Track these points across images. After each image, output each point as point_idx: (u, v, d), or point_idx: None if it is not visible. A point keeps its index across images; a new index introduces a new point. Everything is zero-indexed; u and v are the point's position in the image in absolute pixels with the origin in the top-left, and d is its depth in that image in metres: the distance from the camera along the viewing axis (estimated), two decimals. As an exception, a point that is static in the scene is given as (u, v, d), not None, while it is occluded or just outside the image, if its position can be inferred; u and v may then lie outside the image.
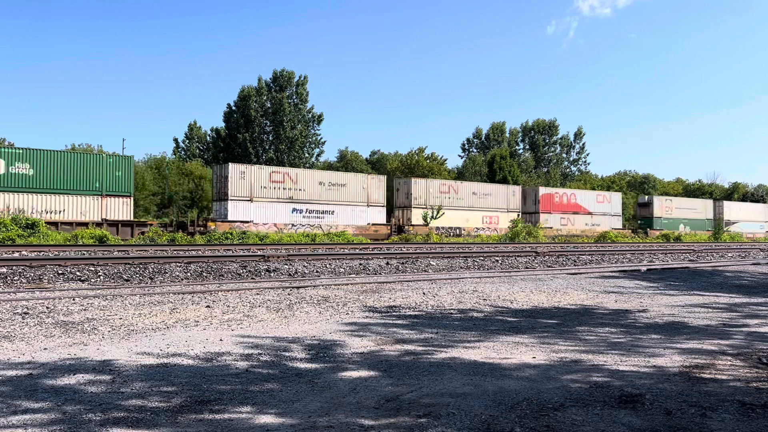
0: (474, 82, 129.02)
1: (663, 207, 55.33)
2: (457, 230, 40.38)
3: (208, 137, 62.42)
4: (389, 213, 39.91)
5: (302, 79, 59.60)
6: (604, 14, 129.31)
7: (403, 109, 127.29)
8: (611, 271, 14.77)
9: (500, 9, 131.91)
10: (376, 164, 72.27)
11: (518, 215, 43.87)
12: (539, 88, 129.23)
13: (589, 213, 49.11)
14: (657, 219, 54.49)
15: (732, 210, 61.46)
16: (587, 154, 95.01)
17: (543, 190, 46.64)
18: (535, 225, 42.47)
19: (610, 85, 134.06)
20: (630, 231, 51.01)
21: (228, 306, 7.71)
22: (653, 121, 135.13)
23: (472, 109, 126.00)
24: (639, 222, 55.29)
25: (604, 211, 50.38)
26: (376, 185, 37.33)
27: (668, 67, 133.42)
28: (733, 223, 60.18)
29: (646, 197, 57.65)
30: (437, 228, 38.46)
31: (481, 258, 17.17)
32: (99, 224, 27.14)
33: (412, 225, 37.97)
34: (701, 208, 58.86)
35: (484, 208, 42.65)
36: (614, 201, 52.37)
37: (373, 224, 36.46)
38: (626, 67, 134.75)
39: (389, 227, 37.20)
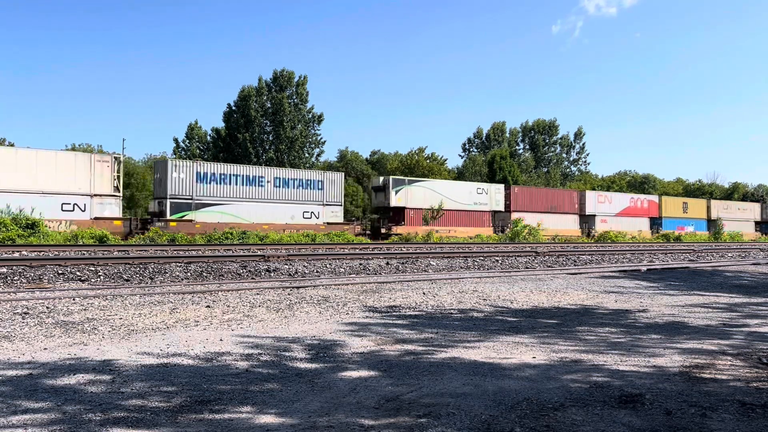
0: (476, 81, 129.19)
1: None
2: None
3: (208, 137, 62.41)
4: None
5: (302, 79, 59.56)
6: (609, 14, 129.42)
7: (403, 109, 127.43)
8: (611, 271, 14.77)
9: (505, 8, 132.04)
10: (376, 164, 72.22)
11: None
12: (541, 88, 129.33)
13: None
14: None
15: None
16: (587, 154, 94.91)
17: None
18: None
19: (611, 84, 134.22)
20: None
21: (228, 306, 7.71)
22: (654, 121, 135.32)
23: (474, 109, 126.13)
24: None
25: None
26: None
27: (671, 66, 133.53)
28: None
29: None
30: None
31: (481, 258, 17.17)
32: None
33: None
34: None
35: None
36: None
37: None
38: (629, 67, 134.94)
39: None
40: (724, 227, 56.17)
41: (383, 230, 37.37)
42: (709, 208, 58.67)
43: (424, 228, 37.61)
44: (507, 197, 44.03)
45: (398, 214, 38.55)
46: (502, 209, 43.64)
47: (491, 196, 43.19)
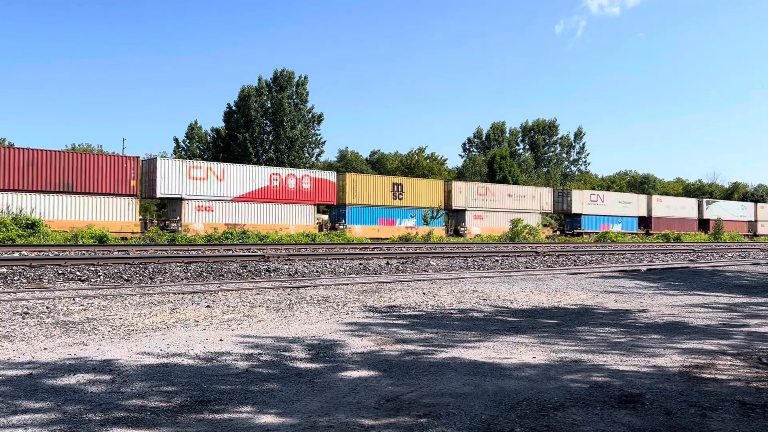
0: (476, 81, 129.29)
1: None
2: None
3: (208, 137, 62.43)
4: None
5: (302, 79, 59.60)
6: (612, 13, 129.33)
7: (403, 109, 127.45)
8: (611, 271, 14.77)
9: (508, 8, 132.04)
10: (376, 164, 72.25)
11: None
12: (541, 88, 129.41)
13: None
14: None
15: None
16: (587, 154, 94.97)
17: None
18: None
19: (612, 84, 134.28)
20: None
21: (228, 306, 7.71)
22: (654, 120, 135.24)
23: (474, 109, 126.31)
24: None
25: None
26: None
27: (673, 66, 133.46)
28: None
29: None
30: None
31: (481, 258, 17.17)
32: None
33: None
34: None
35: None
36: None
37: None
38: (631, 67, 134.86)
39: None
40: (481, 221, 41.84)
41: None
42: (449, 193, 40.86)
43: None
44: None
45: None
46: None
47: None
